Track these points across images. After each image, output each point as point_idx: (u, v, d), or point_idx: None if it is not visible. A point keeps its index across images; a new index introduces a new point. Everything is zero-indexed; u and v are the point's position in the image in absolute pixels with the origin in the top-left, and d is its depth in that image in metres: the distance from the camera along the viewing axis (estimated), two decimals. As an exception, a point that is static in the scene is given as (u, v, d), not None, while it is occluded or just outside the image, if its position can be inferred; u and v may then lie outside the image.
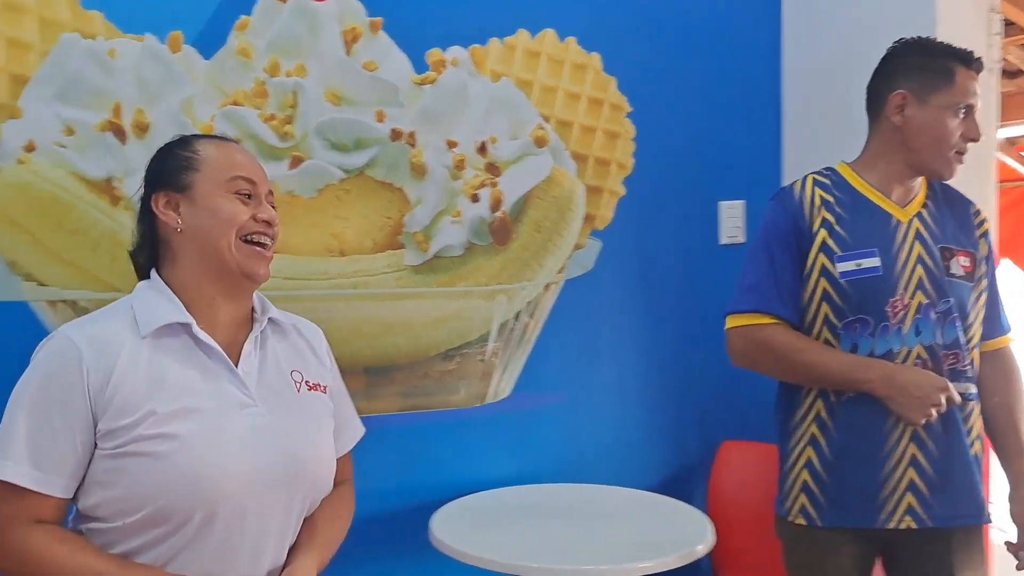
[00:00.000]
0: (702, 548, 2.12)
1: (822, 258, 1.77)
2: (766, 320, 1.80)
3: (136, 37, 2.23)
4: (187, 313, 1.29)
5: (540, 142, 2.64)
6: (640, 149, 2.80)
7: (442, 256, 2.56)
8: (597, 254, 2.75)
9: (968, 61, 1.75)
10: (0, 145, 2.13)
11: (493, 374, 2.66)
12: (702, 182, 2.79)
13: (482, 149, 2.58)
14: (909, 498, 1.74)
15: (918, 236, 1.78)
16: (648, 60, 2.80)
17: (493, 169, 2.60)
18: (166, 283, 1.32)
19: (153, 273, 1.34)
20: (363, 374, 2.45)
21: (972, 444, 1.78)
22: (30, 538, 1.17)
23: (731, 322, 1.86)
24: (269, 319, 1.42)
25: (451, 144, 2.55)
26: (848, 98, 2.06)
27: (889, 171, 1.82)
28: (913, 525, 1.75)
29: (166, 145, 1.40)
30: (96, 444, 1.21)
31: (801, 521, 1.84)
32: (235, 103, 2.30)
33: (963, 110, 1.75)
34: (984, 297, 1.84)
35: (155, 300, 1.29)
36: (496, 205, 2.60)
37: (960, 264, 1.78)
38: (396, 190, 2.49)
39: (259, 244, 1.34)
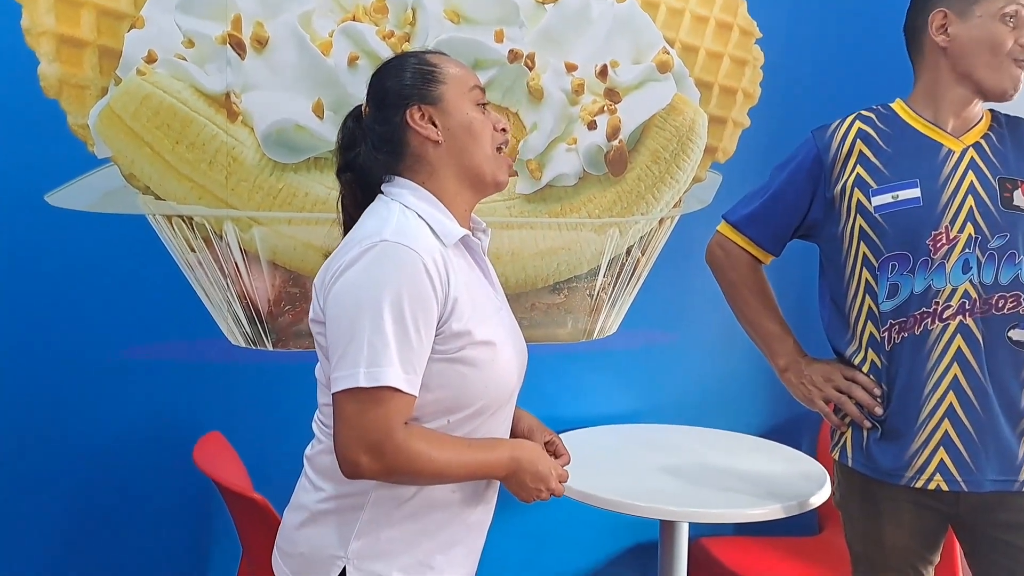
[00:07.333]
0: (816, 499, 2.05)
1: (857, 194, 1.64)
2: (741, 239, 1.80)
3: (258, -54, 2.18)
4: (460, 225, 1.34)
5: (663, 67, 2.51)
6: (768, 78, 2.64)
7: (555, 185, 2.48)
8: (717, 188, 2.63)
9: None
10: (122, 55, 2.13)
11: (601, 309, 2.59)
12: (833, 115, 2.61)
13: (602, 73, 2.46)
14: (941, 454, 1.60)
15: (972, 166, 1.61)
16: (782, -19, 2.62)
17: (613, 95, 2.48)
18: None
19: (408, 182, 1.34)
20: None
21: None
22: (412, 438, 1.24)
23: (721, 226, 1.85)
24: None
25: (570, 67, 2.44)
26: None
27: (944, 101, 1.65)
28: (944, 487, 1.61)
29: (394, 60, 1.41)
30: (432, 348, 1.27)
31: (847, 463, 1.72)
32: (354, 18, 2.24)
33: (1011, 17, 1.58)
34: None
35: (435, 212, 1.32)
36: (614, 133, 2.50)
37: None
38: (512, 114, 2.40)
39: (499, 151, 1.38)
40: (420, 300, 1.23)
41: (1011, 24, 1.59)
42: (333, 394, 1.23)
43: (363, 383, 1.20)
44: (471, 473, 1.31)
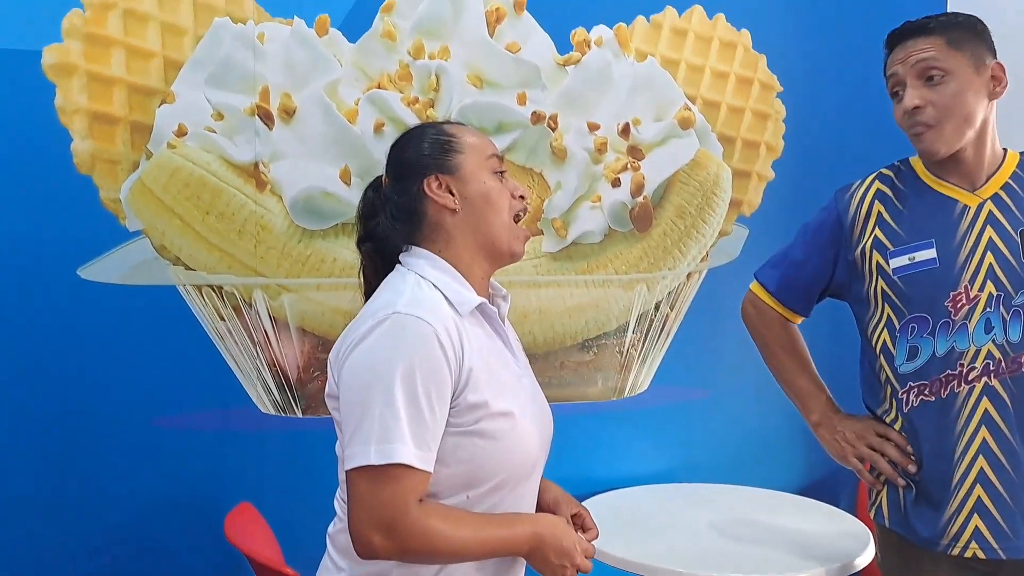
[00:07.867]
0: (861, 561, 1.99)
1: (876, 256, 1.60)
2: (771, 300, 1.78)
3: (285, 21, 2.23)
4: (476, 294, 1.33)
5: (685, 123, 2.52)
6: (791, 131, 2.64)
7: (580, 243, 2.48)
8: (744, 241, 2.62)
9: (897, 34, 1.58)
10: (153, 130, 2.17)
11: (631, 367, 2.56)
12: (857, 166, 2.60)
13: (625, 131, 2.48)
14: (976, 521, 1.54)
15: (991, 220, 1.54)
16: (800, 36, 2.64)
17: (636, 152, 2.50)
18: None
19: (426, 252, 1.33)
20: (500, 363, 2.41)
21: None
22: (427, 516, 1.20)
23: (753, 285, 1.83)
24: None
25: (593, 127, 2.46)
26: (1015, 70, 1.85)
27: (956, 155, 1.58)
28: (981, 555, 1.53)
29: (413, 131, 1.42)
30: (447, 422, 1.24)
31: (885, 523, 1.67)
32: (379, 86, 2.28)
33: (895, 88, 1.57)
34: None
35: (451, 281, 1.31)
36: (638, 190, 2.50)
37: None
38: (536, 175, 2.42)
39: (516, 219, 1.38)
40: (433, 373, 1.20)
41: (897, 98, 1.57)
42: (346, 472, 1.20)
43: (374, 460, 1.17)
44: (492, 551, 1.26)
